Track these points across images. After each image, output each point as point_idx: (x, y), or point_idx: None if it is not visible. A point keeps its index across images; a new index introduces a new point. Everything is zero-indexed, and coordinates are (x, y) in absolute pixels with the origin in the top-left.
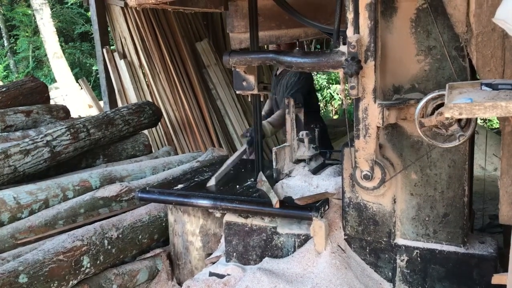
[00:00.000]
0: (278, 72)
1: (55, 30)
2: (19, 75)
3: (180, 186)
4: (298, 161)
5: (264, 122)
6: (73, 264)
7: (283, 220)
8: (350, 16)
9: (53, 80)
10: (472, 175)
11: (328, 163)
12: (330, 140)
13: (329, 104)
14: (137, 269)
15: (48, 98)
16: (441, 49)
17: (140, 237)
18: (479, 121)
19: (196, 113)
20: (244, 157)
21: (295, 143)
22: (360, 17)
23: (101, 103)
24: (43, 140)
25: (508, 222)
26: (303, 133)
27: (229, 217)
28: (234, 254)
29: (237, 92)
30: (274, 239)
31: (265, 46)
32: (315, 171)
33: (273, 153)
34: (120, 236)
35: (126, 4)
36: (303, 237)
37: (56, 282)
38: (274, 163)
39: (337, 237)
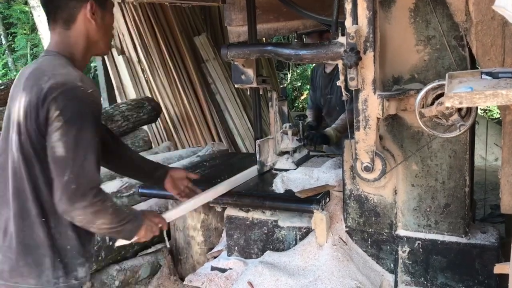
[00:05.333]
0: (329, 70)
1: None
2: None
3: None
4: (282, 153)
5: (329, 129)
6: None
7: (284, 213)
8: (348, 6)
9: None
10: (473, 165)
11: (313, 155)
12: None
13: None
14: (139, 265)
15: None
16: (440, 39)
17: None
18: (479, 111)
19: (195, 108)
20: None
21: (278, 135)
22: (359, 7)
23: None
24: None
25: (509, 212)
26: (286, 125)
27: (230, 211)
28: (236, 248)
29: (236, 85)
30: (276, 233)
31: (263, 39)
32: (299, 163)
33: (257, 146)
34: None
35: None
36: (305, 230)
37: None
38: (257, 156)
39: (339, 230)
